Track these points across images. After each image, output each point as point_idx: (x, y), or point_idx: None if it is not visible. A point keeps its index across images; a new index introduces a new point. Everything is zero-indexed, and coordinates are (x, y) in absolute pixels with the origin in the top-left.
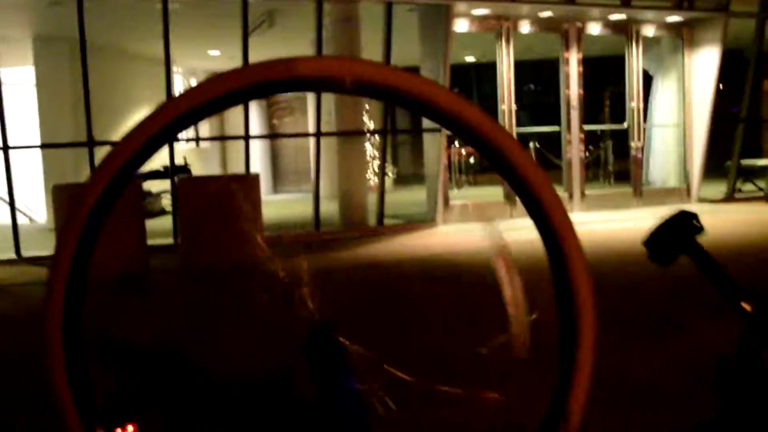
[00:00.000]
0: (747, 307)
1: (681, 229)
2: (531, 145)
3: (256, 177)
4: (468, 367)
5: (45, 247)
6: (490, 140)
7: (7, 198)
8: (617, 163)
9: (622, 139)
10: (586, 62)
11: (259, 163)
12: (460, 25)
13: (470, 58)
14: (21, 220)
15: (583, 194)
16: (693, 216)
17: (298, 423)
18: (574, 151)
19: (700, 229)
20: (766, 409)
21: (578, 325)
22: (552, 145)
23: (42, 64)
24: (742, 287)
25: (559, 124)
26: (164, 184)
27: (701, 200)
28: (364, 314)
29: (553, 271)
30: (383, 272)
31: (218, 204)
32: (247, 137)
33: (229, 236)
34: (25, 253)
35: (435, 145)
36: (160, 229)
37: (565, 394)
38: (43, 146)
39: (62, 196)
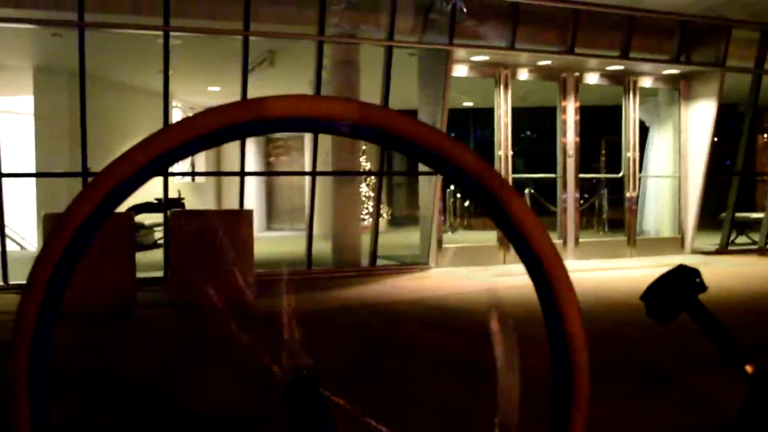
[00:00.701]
0: (749, 369)
1: (683, 286)
2: (526, 191)
3: (250, 213)
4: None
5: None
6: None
7: None
8: (612, 212)
9: (617, 187)
10: (583, 111)
11: (254, 200)
12: (459, 71)
13: (468, 103)
14: (12, 247)
15: (577, 241)
16: (695, 273)
17: None
18: (570, 198)
19: (702, 287)
20: None
21: (573, 384)
22: (547, 191)
23: (41, 94)
24: (741, 348)
25: (555, 171)
26: (158, 217)
27: (695, 251)
28: (348, 360)
29: (548, 324)
30: (372, 314)
31: (210, 239)
32: (242, 173)
33: (219, 272)
34: (13, 280)
35: (430, 187)
36: (151, 262)
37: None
38: (37, 175)
39: (50, 224)
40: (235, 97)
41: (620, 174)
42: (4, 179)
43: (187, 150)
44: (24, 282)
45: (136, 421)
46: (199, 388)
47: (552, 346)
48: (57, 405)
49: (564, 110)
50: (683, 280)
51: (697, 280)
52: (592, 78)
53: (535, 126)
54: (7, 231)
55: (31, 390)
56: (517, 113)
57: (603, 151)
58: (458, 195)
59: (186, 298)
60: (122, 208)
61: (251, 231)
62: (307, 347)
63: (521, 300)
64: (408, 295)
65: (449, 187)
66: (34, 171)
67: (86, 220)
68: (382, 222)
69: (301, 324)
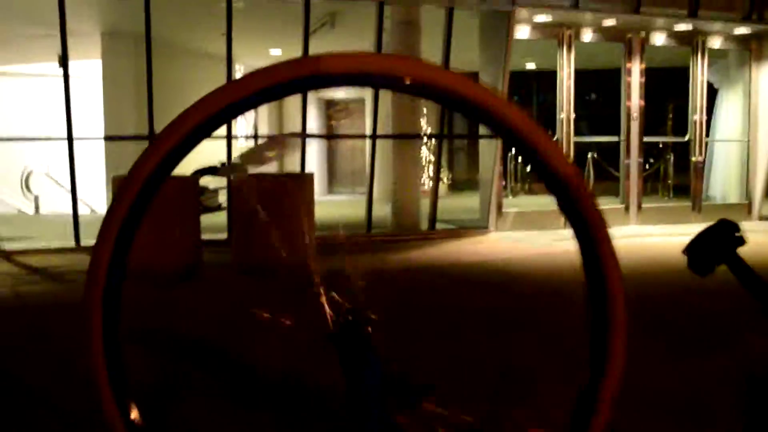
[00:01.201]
0: None
1: (721, 239)
2: (589, 155)
3: (311, 176)
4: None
5: None
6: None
7: (69, 188)
8: (678, 177)
9: (683, 152)
10: (649, 73)
11: (315, 164)
12: (521, 32)
13: (531, 65)
14: (83, 210)
15: (640, 207)
16: (734, 227)
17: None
18: (633, 162)
19: (741, 240)
20: None
21: (610, 323)
22: (612, 156)
23: (109, 58)
24: None
25: (618, 134)
26: (222, 181)
27: (762, 218)
28: (398, 317)
29: (585, 266)
30: (429, 276)
31: (271, 201)
32: (303, 135)
33: (280, 234)
34: (84, 242)
35: (490, 151)
36: (217, 224)
37: (596, 390)
38: (106, 138)
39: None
40: None
41: (686, 138)
42: (75, 143)
43: (247, 105)
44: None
45: (196, 374)
46: (257, 344)
47: (589, 288)
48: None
49: (629, 72)
50: (723, 233)
51: (737, 234)
52: (658, 39)
53: (599, 88)
54: (79, 194)
55: (105, 343)
56: (581, 75)
57: (670, 115)
58: (519, 159)
59: (248, 259)
60: (187, 171)
61: (312, 193)
62: (363, 305)
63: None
64: (465, 259)
65: (510, 152)
66: (102, 135)
67: (150, 177)
68: (443, 187)
69: (357, 282)
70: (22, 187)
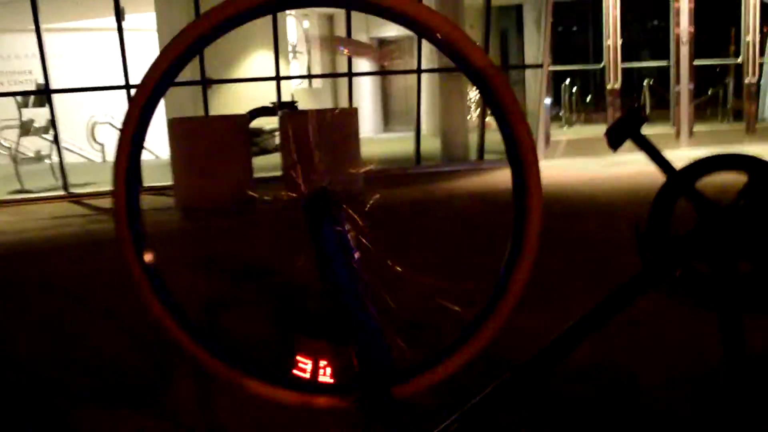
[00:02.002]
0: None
1: (628, 122)
2: (645, 82)
3: (355, 110)
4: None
5: (165, 179)
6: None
7: None
8: (737, 101)
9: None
10: None
11: (369, 104)
12: None
13: None
14: (147, 156)
15: (691, 131)
16: (639, 110)
17: None
18: (683, 87)
19: (643, 120)
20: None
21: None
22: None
23: (162, 9)
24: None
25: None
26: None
27: None
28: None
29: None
30: (470, 202)
31: (317, 135)
32: (350, 74)
33: (327, 168)
34: (147, 183)
35: (536, 81)
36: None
37: (511, 270)
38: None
39: (176, 128)
40: None
41: (739, 59)
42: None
43: (230, 24)
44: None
45: (242, 288)
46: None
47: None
48: (183, 279)
49: None
50: (631, 118)
51: (642, 115)
52: None
53: (649, 13)
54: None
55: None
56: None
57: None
58: (574, 89)
59: (297, 191)
60: (241, 111)
61: (357, 127)
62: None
63: (620, 185)
64: (504, 186)
65: (565, 82)
66: None
67: (165, 71)
68: (492, 119)
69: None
70: (88, 137)
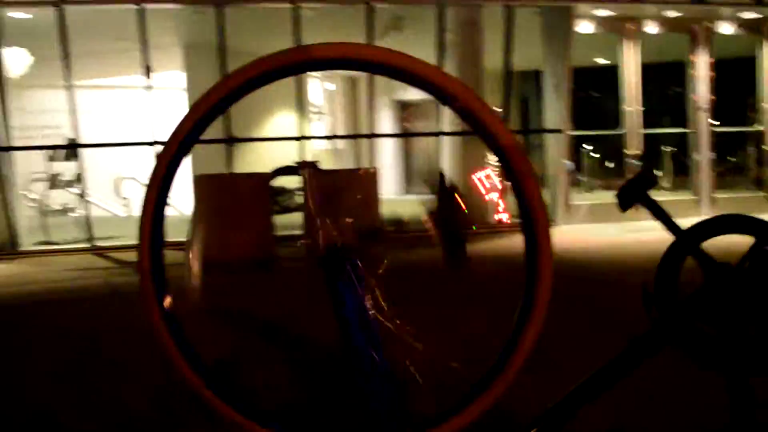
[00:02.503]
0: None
1: (636, 184)
2: (667, 149)
3: (375, 170)
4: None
5: (183, 234)
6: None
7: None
8: (756, 168)
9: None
10: (717, 63)
11: (391, 165)
12: (583, 27)
13: (602, 60)
14: (170, 211)
15: (711, 198)
16: (648, 173)
17: None
18: (703, 154)
19: (652, 183)
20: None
21: (538, 269)
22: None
23: (191, 69)
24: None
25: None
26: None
27: None
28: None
29: (524, 226)
30: (485, 264)
31: (337, 195)
32: (371, 136)
33: (346, 226)
34: (170, 238)
35: (557, 146)
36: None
37: (522, 327)
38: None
39: (201, 184)
40: None
41: (761, 127)
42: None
43: (253, 85)
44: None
45: (260, 345)
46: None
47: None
48: (207, 334)
49: (694, 65)
50: (640, 181)
51: (651, 178)
52: (725, 28)
53: (667, 81)
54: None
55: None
56: (648, 69)
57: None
58: (595, 155)
59: (318, 250)
60: (264, 169)
61: (376, 187)
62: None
63: (638, 252)
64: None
65: (582, 146)
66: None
67: (183, 140)
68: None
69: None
70: (114, 191)
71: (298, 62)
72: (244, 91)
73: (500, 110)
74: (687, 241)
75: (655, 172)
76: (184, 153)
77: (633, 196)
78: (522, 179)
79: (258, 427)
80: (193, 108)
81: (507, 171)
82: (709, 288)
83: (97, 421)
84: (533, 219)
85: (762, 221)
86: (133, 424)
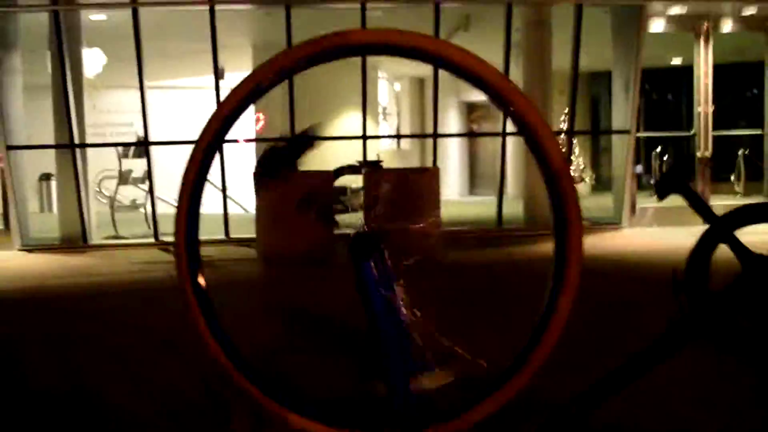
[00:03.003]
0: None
1: (674, 175)
2: (740, 152)
3: (436, 170)
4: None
5: (250, 231)
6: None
7: (220, 187)
8: None
9: None
10: None
11: (456, 167)
12: (656, 26)
13: (677, 61)
14: (236, 209)
15: None
16: (685, 164)
17: None
18: None
19: (691, 172)
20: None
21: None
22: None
23: None
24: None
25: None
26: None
27: None
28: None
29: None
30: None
31: (398, 195)
32: (435, 135)
33: (407, 226)
34: (233, 235)
35: (622, 147)
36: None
37: (557, 296)
38: (254, 140)
39: (260, 182)
40: None
41: None
42: (225, 147)
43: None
44: (241, 236)
45: (310, 339)
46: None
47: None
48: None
49: None
50: (677, 172)
51: (687, 168)
52: None
53: (744, 81)
54: (230, 194)
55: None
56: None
57: None
58: (665, 158)
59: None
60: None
61: (437, 187)
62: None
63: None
64: (589, 250)
65: (656, 150)
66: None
67: (214, 136)
68: (585, 186)
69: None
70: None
71: (336, 47)
72: (277, 80)
73: (567, 110)
74: (721, 228)
75: (728, 176)
76: (216, 148)
77: (671, 185)
78: (557, 176)
79: (283, 409)
80: (224, 102)
81: (542, 166)
82: (746, 278)
83: (150, 405)
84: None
85: None
86: (183, 409)
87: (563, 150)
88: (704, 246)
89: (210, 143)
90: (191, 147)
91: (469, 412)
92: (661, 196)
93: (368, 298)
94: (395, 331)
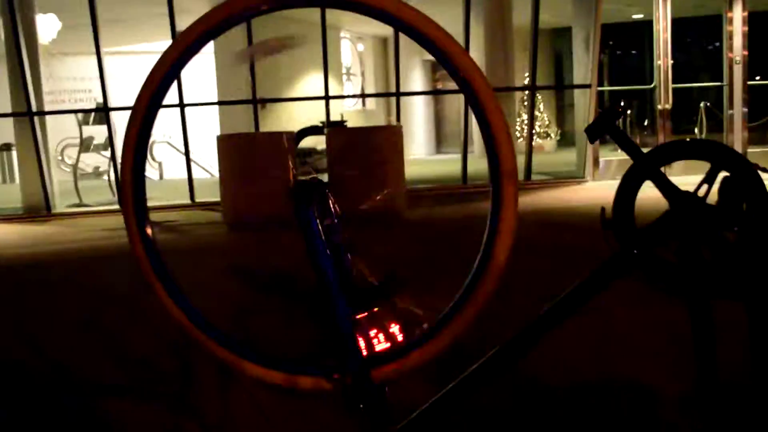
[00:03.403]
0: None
1: (605, 117)
2: (702, 104)
3: (400, 128)
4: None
5: (215, 195)
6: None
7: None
8: None
9: None
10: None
11: (422, 126)
12: None
13: (638, 16)
14: (202, 174)
15: (744, 154)
16: (616, 106)
17: None
18: (736, 110)
19: (618, 114)
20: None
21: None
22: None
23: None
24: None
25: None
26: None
27: None
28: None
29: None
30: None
31: (361, 153)
32: (397, 94)
33: (372, 183)
34: (198, 199)
35: (584, 102)
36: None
37: (492, 244)
38: (215, 103)
39: (224, 144)
40: None
41: None
42: (187, 109)
43: (240, 19)
44: (206, 200)
45: (267, 297)
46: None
47: (489, 162)
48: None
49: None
50: (608, 114)
51: (618, 108)
52: None
53: (704, 34)
54: (194, 157)
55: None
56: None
57: None
58: (629, 111)
59: (343, 207)
60: (291, 129)
61: (401, 143)
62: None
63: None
64: (548, 203)
65: (619, 102)
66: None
67: (157, 87)
68: (550, 142)
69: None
70: (147, 156)
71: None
72: (201, 43)
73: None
74: (647, 165)
75: (690, 128)
76: (156, 110)
77: (602, 127)
78: (490, 122)
79: (228, 353)
80: (162, 56)
81: (478, 118)
82: (672, 214)
83: (113, 369)
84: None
85: (720, 145)
86: (146, 369)
87: (527, 105)
88: (630, 183)
89: (153, 96)
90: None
91: (408, 357)
92: (592, 139)
93: (309, 241)
94: (335, 272)
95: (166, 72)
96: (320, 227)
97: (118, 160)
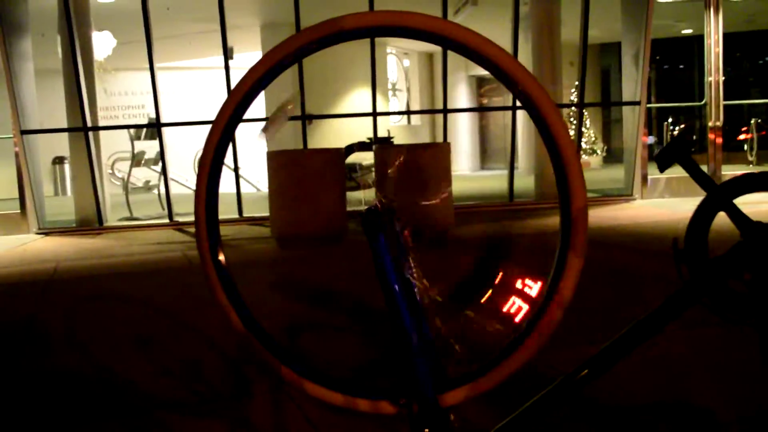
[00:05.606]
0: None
1: (675, 145)
2: (752, 121)
3: (447, 145)
4: None
5: (263, 210)
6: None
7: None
8: None
9: None
10: None
11: (467, 142)
12: None
13: (687, 31)
14: (250, 189)
15: None
16: (687, 134)
17: None
18: None
19: (691, 144)
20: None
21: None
22: None
23: (268, 48)
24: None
25: None
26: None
27: None
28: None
29: (556, 173)
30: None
31: (409, 170)
32: (445, 111)
33: (419, 201)
34: (246, 214)
35: (633, 119)
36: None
37: (560, 273)
38: (263, 120)
39: (274, 161)
40: None
41: None
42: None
43: (295, 58)
44: (254, 215)
45: (322, 314)
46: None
47: (560, 192)
48: (268, 301)
49: None
50: (678, 143)
51: (690, 138)
52: None
53: (758, 50)
54: (242, 173)
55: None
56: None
57: None
58: (677, 128)
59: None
60: (338, 145)
61: (449, 161)
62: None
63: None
64: (599, 222)
65: (667, 120)
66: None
67: (229, 118)
68: (596, 158)
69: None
70: (193, 169)
71: (331, 35)
72: (279, 69)
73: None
74: (720, 197)
75: (740, 143)
76: (229, 135)
77: (671, 157)
78: (559, 143)
79: (300, 378)
80: (233, 92)
81: (545, 137)
82: (745, 246)
83: (165, 381)
84: (569, 184)
85: None
86: (205, 387)
87: (574, 122)
88: (703, 214)
89: (228, 122)
90: (202, 127)
91: (479, 380)
92: (662, 168)
93: (383, 273)
94: (410, 307)
95: (236, 106)
96: (389, 255)
97: (170, 174)
